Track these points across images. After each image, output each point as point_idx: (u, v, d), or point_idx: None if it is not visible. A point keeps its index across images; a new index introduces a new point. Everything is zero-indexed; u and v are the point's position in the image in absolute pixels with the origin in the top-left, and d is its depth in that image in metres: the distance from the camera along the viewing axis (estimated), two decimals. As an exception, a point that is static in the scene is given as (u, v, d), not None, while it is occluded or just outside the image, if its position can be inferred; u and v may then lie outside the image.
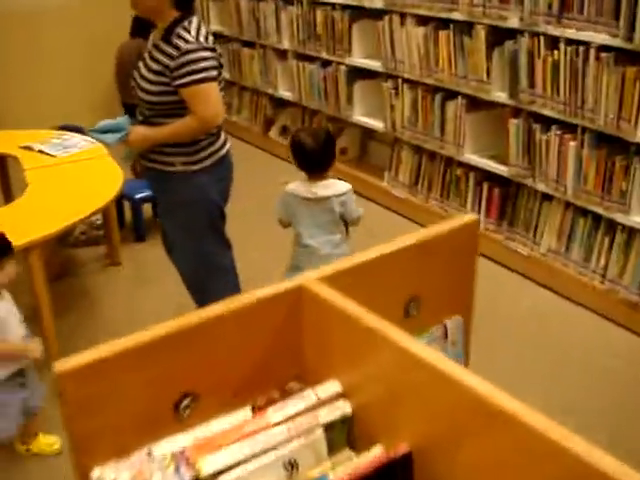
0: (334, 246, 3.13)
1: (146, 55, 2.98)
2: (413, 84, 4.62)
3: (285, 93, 6.00)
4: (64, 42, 6.89)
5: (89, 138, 4.40)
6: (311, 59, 5.55)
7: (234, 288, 3.31)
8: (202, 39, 2.88)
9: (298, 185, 3.12)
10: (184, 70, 2.82)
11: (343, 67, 5.19)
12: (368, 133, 5.56)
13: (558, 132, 3.76)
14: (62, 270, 4.33)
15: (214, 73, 2.88)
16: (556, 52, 3.63)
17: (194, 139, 2.96)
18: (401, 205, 4.92)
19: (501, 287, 4.03)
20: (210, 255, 3.20)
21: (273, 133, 6.28)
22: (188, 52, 2.82)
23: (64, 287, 4.17)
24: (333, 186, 3.11)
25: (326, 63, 5.39)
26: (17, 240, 3.06)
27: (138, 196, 4.62)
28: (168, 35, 2.86)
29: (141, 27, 6.13)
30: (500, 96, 4.05)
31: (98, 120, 3.04)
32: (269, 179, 5.48)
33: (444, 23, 4.26)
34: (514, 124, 3.97)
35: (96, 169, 3.96)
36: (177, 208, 3.09)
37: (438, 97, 4.43)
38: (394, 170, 4.98)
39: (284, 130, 6.28)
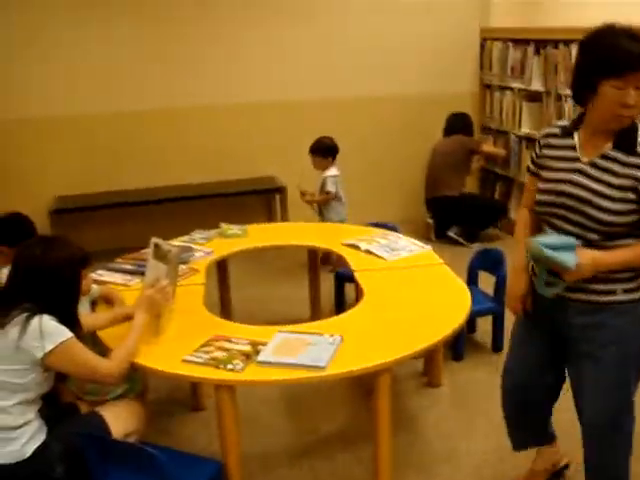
0: None
1: (584, 166, 2.41)
2: None
3: None
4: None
5: (417, 242, 3.98)
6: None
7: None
8: None
9: None
10: None
11: None
12: None
13: None
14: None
15: None
16: None
17: None
18: None
19: None
20: (631, 395, 2.57)
21: None
22: None
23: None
24: None
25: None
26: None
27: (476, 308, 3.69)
28: (629, 142, 2.34)
29: (454, 127, 6.39)
30: None
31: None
32: None
33: None
34: None
35: (434, 279, 3.51)
36: (609, 344, 2.47)
37: None
38: None
39: None
